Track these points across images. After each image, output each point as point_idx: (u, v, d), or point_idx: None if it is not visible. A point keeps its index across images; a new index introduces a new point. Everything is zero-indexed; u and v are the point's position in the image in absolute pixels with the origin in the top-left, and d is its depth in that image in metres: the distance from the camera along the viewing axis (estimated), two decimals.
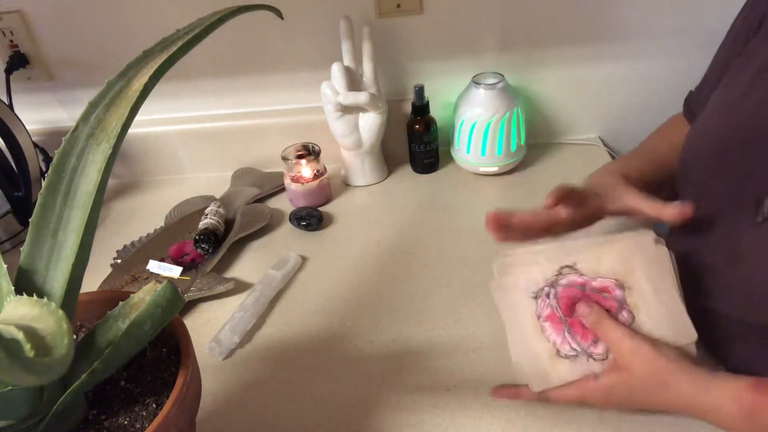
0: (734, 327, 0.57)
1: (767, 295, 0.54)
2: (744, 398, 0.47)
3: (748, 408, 0.47)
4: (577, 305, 0.54)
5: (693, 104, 0.73)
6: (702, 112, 0.65)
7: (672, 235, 0.71)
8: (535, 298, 0.55)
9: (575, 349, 0.54)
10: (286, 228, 0.92)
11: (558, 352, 0.54)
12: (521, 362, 0.55)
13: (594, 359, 0.54)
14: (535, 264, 0.55)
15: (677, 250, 0.58)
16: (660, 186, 0.69)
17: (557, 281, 0.54)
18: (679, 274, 0.54)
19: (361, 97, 0.89)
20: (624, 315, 0.53)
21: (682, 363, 0.50)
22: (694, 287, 0.57)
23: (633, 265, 0.53)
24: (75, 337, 0.48)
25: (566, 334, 0.54)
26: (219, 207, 0.90)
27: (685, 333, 0.53)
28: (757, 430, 0.47)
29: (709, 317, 0.57)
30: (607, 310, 0.53)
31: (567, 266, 0.54)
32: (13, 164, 0.92)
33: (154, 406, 0.46)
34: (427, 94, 0.95)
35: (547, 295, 0.55)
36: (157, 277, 0.79)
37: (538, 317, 0.55)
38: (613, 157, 1.00)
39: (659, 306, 0.53)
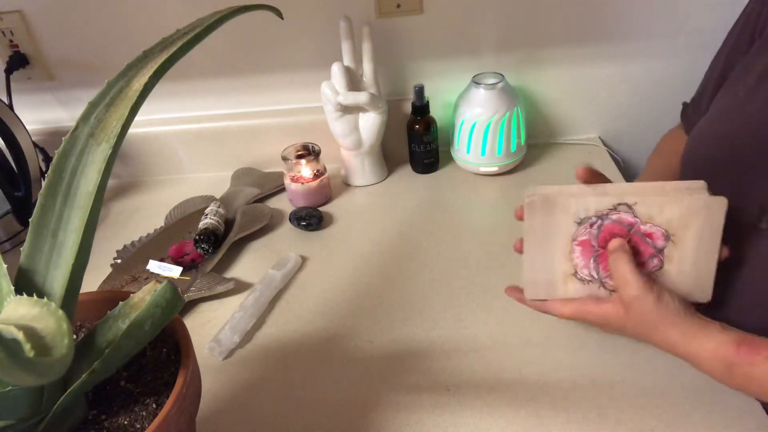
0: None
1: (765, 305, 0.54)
2: (724, 353, 0.48)
3: (727, 363, 0.48)
4: (612, 240, 0.54)
5: (691, 115, 0.73)
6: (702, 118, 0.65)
7: None
8: (579, 224, 0.55)
9: (592, 276, 0.56)
10: (286, 228, 0.92)
11: (576, 273, 0.56)
12: (535, 269, 0.57)
13: (605, 288, 0.56)
14: (593, 195, 0.54)
15: None
16: None
17: (608, 215, 0.54)
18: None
19: (361, 97, 0.89)
20: (654, 261, 0.54)
21: (679, 315, 0.51)
22: None
23: (691, 223, 0.53)
24: (75, 337, 0.48)
25: (592, 261, 0.55)
26: (219, 207, 0.90)
27: (702, 294, 0.54)
28: (733, 383, 0.49)
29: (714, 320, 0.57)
30: (640, 253, 0.54)
31: (625, 204, 0.53)
32: (13, 164, 0.92)
33: (154, 406, 0.46)
34: (427, 94, 0.95)
35: (591, 225, 0.55)
36: (157, 277, 0.79)
37: (573, 240, 0.55)
38: (613, 157, 1.01)
39: (693, 267, 0.54)
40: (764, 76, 0.56)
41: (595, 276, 0.56)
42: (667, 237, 0.53)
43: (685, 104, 0.76)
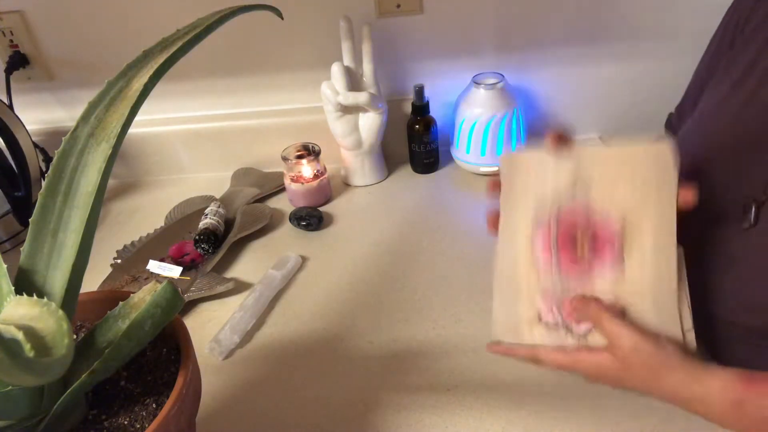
0: (732, 329, 0.57)
1: (760, 300, 0.54)
2: (733, 389, 0.46)
3: (736, 400, 0.46)
4: (571, 301, 0.52)
5: (675, 121, 0.73)
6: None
7: None
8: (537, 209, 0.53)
9: (556, 321, 0.52)
10: (286, 228, 0.92)
11: (540, 318, 0.53)
12: (500, 311, 0.54)
13: (572, 333, 0.52)
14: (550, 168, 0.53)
15: None
16: None
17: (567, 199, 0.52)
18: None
19: (361, 97, 0.89)
20: (613, 253, 0.51)
21: (679, 358, 0.49)
22: (691, 290, 0.57)
23: (645, 203, 0.50)
24: (75, 337, 0.48)
25: (554, 269, 0.52)
26: (219, 207, 0.90)
27: (668, 281, 0.50)
28: (744, 422, 0.46)
29: (707, 320, 0.57)
30: (602, 244, 0.51)
31: (581, 180, 0.52)
32: (13, 164, 0.92)
33: (154, 406, 0.46)
34: (427, 94, 0.95)
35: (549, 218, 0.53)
36: (157, 277, 0.79)
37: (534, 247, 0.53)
38: None
39: (653, 256, 0.50)
40: (746, 73, 0.56)
41: (559, 321, 0.52)
42: (622, 221, 0.51)
43: (671, 114, 0.76)
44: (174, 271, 0.80)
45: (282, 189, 1.00)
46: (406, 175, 1.02)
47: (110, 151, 0.41)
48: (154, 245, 0.86)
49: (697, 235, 0.61)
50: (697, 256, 0.60)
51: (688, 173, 0.61)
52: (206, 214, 0.88)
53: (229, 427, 0.61)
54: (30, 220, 0.43)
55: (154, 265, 0.80)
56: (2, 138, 0.90)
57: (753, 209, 0.53)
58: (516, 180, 0.55)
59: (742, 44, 0.58)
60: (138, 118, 0.42)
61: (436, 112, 0.98)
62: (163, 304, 0.42)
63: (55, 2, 0.93)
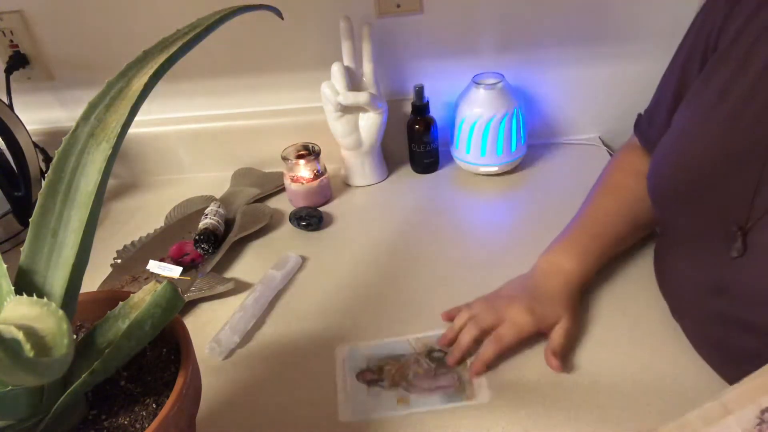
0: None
1: (752, 325, 0.52)
2: None
3: None
4: None
5: (646, 128, 0.72)
6: (660, 135, 0.63)
7: (662, 260, 0.69)
8: None
9: None
10: (286, 228, 0.92)
11: None
12: None
13: None
14: (727, 414, 0.42)
15: (670, 276, 0.55)
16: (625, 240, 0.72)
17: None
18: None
19: (361, 97, 0.89)
20: None
21: None
22: (687, 314, 0.55)
23: None
24: (75, 337, 0.48)
25: None
26: (219, 207, 0.90)
27: None
28: None
29: (706, 341, 0.57)
30: None
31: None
32: (13, 164, 0.92)
33: (154, 406, 0.46)
34: (427, 94, 0.95)
35: None
36: (157, 277, 0.79)
37: None
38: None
39: None
40: (723, 94, 0.54)
41: None
42: None
43: (639, 115, 0.76)
44: (174, 271, 0.80)
45: (282, 189, 1.00)
46: (406, 175, 1.02)
47: (110, 151, 0.41)
48: (154, 245, 0.86)
49: (688, 261, 0.59)
50: (691, 280, 0.59)
51: (672, 199, 0.59)
52: (206, 214, 0.88)
53: (229, 427, 0.61)
54: (30, 220, 0.43)
55: (154, 265, 0.80)
56: (2, 138, 0.90)
57: (740, 238, 0.51)
58: None
59: (716, 61, 0.56)
60: (138, 118, 0.42)
61: (436, 112, 0.98)
62: (163, 304, 0.42)
63: (55, 2, 0.93)
